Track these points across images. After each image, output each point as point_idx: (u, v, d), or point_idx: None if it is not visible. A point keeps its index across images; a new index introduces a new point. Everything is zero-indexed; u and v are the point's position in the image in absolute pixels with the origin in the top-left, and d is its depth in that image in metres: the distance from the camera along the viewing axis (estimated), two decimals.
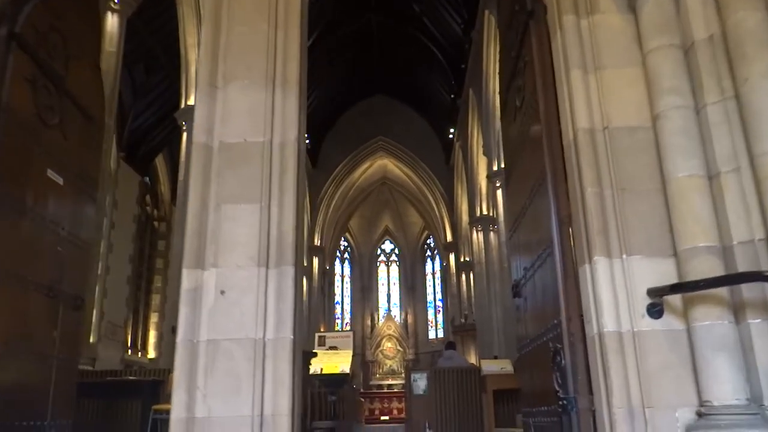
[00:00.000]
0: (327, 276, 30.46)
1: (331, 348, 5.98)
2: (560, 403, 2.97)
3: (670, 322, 2.67)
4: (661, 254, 2.74)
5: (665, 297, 2.66)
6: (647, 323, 2.68)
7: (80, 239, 4.52)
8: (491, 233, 19.93)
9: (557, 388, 3.07)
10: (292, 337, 2.86)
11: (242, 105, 3.09)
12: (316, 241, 27.43)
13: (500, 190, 16.89)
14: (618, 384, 2.60)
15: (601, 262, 2.75)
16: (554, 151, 3.17)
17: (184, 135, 13.44)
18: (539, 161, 3.40)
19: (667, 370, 2.60)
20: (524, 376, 3.90)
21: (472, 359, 23.72)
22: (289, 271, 2.92)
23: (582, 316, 2.90)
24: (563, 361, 2.97)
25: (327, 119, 28.17)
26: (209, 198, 2.93)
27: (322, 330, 27.82)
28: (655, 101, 2.82)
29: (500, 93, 4.82)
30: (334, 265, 33.14)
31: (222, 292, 2.80)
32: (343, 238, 33.87)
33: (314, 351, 6.02)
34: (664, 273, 2.70)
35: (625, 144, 2.90)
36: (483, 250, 20.54)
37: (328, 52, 24.31)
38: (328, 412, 5.71)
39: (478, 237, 21.11)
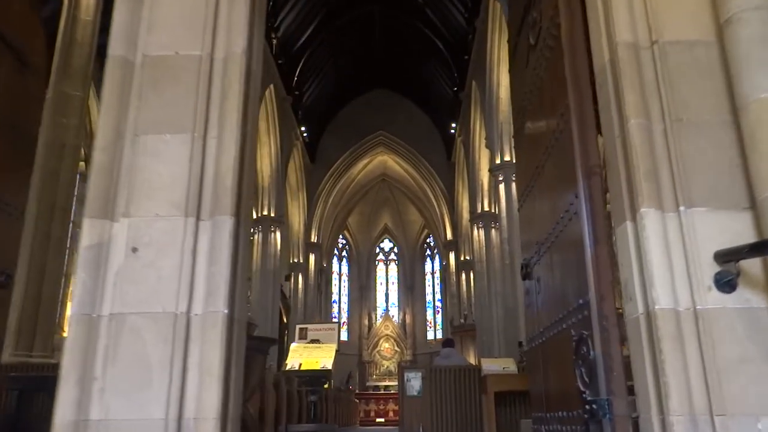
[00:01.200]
0: (324, 274, 29.75)
1: (313, 341, 5.26)
2: (587, 407, 2.24)
3: (747, 297, 1.93)
4: (733, 206, 2.01)
5: (740, 263, 1.93)
6: (715, 298, 1.94)
7: (9, 205, 3.77)
8: (492, 230, 19.29)
9: (582, 388, 2.34)
10: (226, 311, 2.09)
11: (175, 8, 2.33)
12: (313, 238, 26.77)
13: (502, 184, 16.22)
14: (675, 383, 1.87)
15: (650, 217, 2.01)
16: (581, 81, 2.45)
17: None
18: (559, 102, 2.68)
19: (745, 363, 1.86)
20: (536, 374, 3.16)
21: (471, 360, 23.01)
22: (227, 223, 2.16)
23: (620, 292, 2.18)
24: (591, 353, 2.24)
25: (326, 113, 27.56)
26: (125, 127, 2.16)
27: None
28: (724, 3, 2.09)
29: (509, 41, 4.12)
30: (331, 262, 32.44)
31: (134, 250, 2.05)
32: (341, 236, 33.19)
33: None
34: (737, 231, 1.97)
35: (681, 63, 2.17)
36: (484, 248, 19.88)
37: (327, 43, 23.67)
38: (308, 413, 4.98)
39: (479, 234, 20.45)
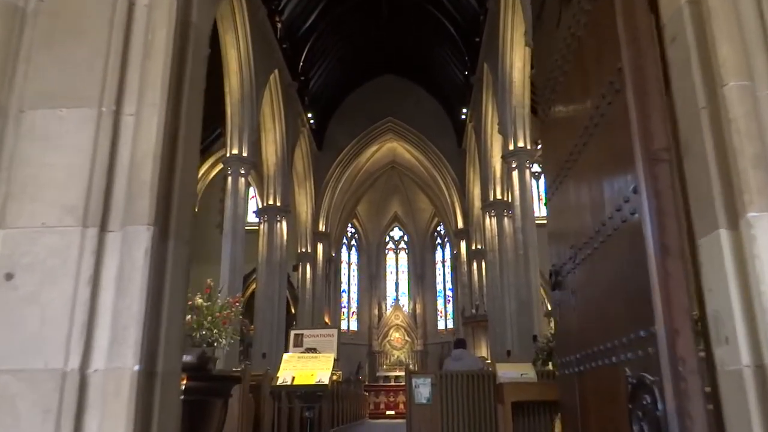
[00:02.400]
0: (333, 263, 29.25)
1: (309, 350, 4.68)
2: None
3: None
4: None
5: None
6: None
7: None
8: (505, 219, 18.70)
9: None
10: (138, 367, 1.42)
11: None
12: (321, 227, 26.23)
13: (516, 171, 15.58)
14: None
15: (762, 224, 1.38)
16: (640, 35, 1.82)
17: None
18: (606, 67, 2.05)
19: None
20: (570, 412, 2.55)
21: (483, 352, 22.49)
22: (142, 237, 1.49)
23: (704, 327, 1.57)
24: (659, 407, 1.63)
25: (333, 99, 26.92)
26: (8, 99, 1.52)
27: (326, 320, 26.64)
28: None
29: (532, 3, 3.47)
30: (340, 252, 31.92)
31: (8, 277, 1.41)
32: (350, 224, 32.63)
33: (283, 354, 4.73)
34: None
35: None
36: (496, 237, 19.28)
37: (334, 27, 22.96)
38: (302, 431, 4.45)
39: (491, 223, 19.85)
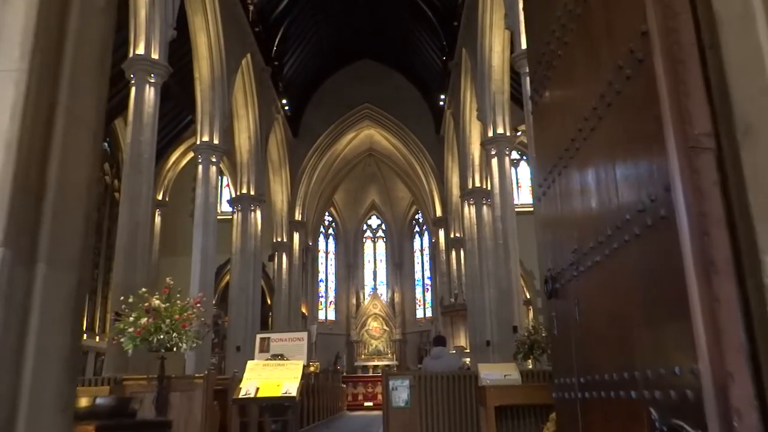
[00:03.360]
0: (310, 252, 28.79)
1: (275, 356, 4.27)
2: None
3: None
4: None
5: None
6: None
7: None
8: (484, 207, 18.41)
9: None
10: None
11: None
12: (298, 216, 25.71)
13: (495, 159, 15.24)
14: None
15: None
16: None
17: (133, 90, 11.54)
18: (623, 32, 1.66)
19: None
20: None
21: (462, 342, 22.28)
22: None
23: (756, 370, 1.19)
24: None
25: (309, 85, 26.34)
26: None
27: (303, 310, 26.21)
28: None
29: None
30: (317, 241, 31.46)
31: None
32: (327, 213, 32.17)
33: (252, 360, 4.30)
34: None
35: None
36: (475, 226, 19.01)
37: (309, 10, 22.33)
38: None
39: (469, 211, 19.57)
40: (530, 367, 11.98)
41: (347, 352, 30.55)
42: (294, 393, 3.82)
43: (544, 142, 2.61)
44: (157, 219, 22.08)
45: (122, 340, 4.96)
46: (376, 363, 29.76)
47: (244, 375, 4.13)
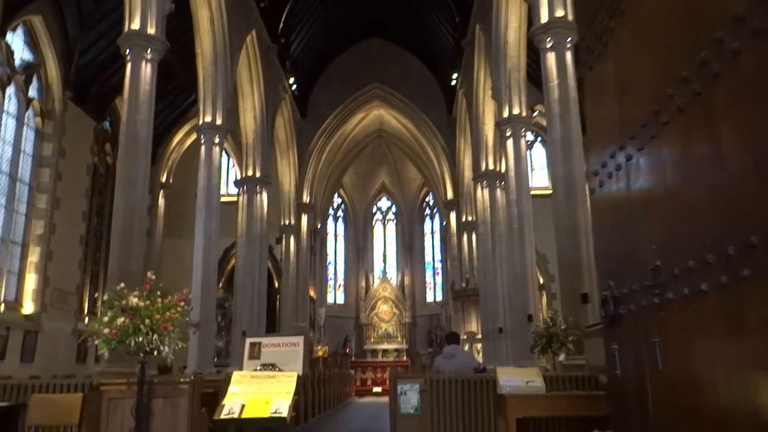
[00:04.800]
0: (318, 235, 28.28)
1: (266, 367, 3.70)
2: None
3: None
4: None
5: None
6: None
7: None
8: (498, 190, 17.78)
9: None
10: None
11: None
12: (306, 198, 25.16)
13: (510, 140, 14.55)
14: None
15: None
16: None
17: (128, 66, 10.93)
18: None
19: None
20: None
21: (473, 327, 21.73)
22: None
23: None
24: None
25: (317, 64, 25.61)
26: None
27: (311, 293, 25.75)
28: None
29: None
30: (326, 223, 30.94)
31: None
32: (336, 195, 31.60)
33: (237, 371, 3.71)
34: None
35: None
36: (488, 209, 18.36)
37: None
38: None
39: (482, 194, 18.91)
40: (544, 363, 11.43)
41: (356, 335, 30.20)
42: (285, 413, 3.25)
43: (604, 119, 1.98)
44: (161, 201, 21.61)
45: (97, 342, 4.41)
46: (385, 346, 29.43)
47: (227, 389, 3.57)
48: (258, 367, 3.78)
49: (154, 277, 4.74)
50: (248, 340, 4.01)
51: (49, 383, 4.85)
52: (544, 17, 10.91)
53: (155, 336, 4.38)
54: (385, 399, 17.82)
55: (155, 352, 4.43)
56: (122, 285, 4.72)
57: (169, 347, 4.46)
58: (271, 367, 3.77)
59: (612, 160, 1.87)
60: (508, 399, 4.69)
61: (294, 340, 3.99)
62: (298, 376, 3.73)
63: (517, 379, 4.98)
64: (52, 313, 14.27)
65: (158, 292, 4.51)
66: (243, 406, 3.40)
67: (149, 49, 10.90)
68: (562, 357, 9.41)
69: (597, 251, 2.06)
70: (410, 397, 5.43)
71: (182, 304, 4.58)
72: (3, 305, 13.44)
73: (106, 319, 4.44)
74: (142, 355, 4.44)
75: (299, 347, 3.95)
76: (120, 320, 4.35)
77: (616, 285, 1.85)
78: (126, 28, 10.98)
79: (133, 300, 4.43)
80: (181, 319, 4.58)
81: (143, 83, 10.74)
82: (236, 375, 3.63)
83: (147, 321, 4.38)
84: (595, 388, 5.38)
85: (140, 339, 4.34)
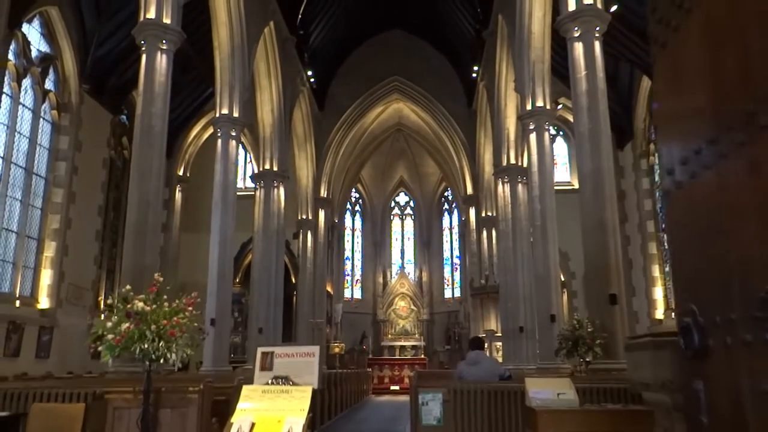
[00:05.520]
0: (335, 230, 28.01)
1: (279, 380, 3.41)
2: None
3: None
4: None
5: None
6: None
7: None
8: (519, 185, 17.34)
9: None
10: None
11: None
12: (323, 192, 24.87)
13: (534, 134, 14.10)
14: None
15: None
16: None
17: (143, 57, 10.70)
18: None
19: None
20: None
21: (492, 326, 21.34)
22: None
23: None
24: None
25: (336, 56, 25.28)
26: None
27: (328, 289, 25.50)
28: None
29: None
30: (343, 218, 30.67)
31: None
32: (353, 189, 31.29)
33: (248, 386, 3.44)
34: None
35: None
36: (509, 205, 17.94)
37: None
38: None
39: (503, 189, 18.48)
40: (569, 365, 11.04)
41: (373, 331, 29.92)
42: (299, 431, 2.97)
43: (685, 106, 1.62)
44: (178, 195, 21.47)
45: (100, 348, 4.13)
46: (403, 343, 29.12)
47: (237, 405, 3.28)
48: (270, 380, 3.47)
49: (161, 279, 4.47)
50: (260, 350, 3.70)
51: (51, 392, 4.59)
52: (571, 5, 10.48)
53: (161, 342, 4.10)
54: (403, 398, 17.57)
55: (162, 360, 4.15)
56: (128, 287, 4.46)
57: (176, 354, 4.17)
58: (284, 380, 3.46)
59: (697, 156, 1.52)
60: (539, 414, 4.35)
61: (309, 350, 3.67)
62: (314, 390, 3.41)
63: (548, 391, 4.63)
64: (68, 308, 14.16)
65: (165, 296, 4.23)
66: (253, 425, 3.11)
67: (164, 40, 10.68)
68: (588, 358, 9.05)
69: (674, 263, 1.70)
70: (432, 407, 5.11)
71: (190, 308, 4.29)
72: (18, 300, 13.34)
73: (110, 324, 4.16)
74: (147, 363, 4.16)
75: (314, 358, 3.63)
76: (125, 325, 4.08)
77: (701, 311, 1.51)
78: (141, 17, 10.75)
79: (139, 304, 4.15)
80: (189, 325, 4.30)
81: (158, 74, 10.52)
82: (246, 389, 3.33)
83: (153, 327, 4.10)
84: (630, 401, 5.02)
85: (146, 346, 4.07)
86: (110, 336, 4.09)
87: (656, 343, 3.20)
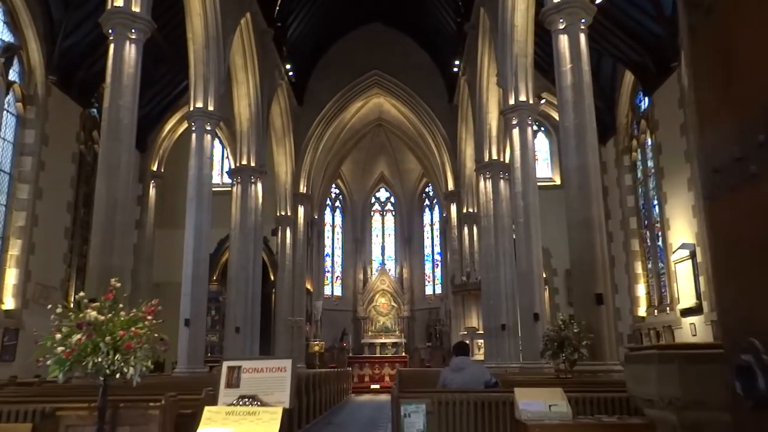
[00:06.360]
0: (315, 226, 27.58)
1: (245, 399, 3.05)
2: None
3: None
4: None
5: None
6: None
7: None
8: (501, 181, 17.07)
9: None
10: None
11: None
12: (302, 188, 24.43)
13: (516, 129, 13.81)
14: None
15: None
16: None
17: (111, 47, 10.20)
18: None
19: None
20: None
21: (474, 323, 21.12)
22: None
23: None
24: None
25: (315, 50, 24.82)
26: None
27: (308, 286, 25.08)
28: None
29: None
30: (323, 214, 30.23)
31: None
32: (333, 185, 30.87)
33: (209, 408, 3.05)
34: None
35: None
36: (491, 202, 17.69)
37: None
38: None
39: (485, 186, 18.22)
40: (551, 364, 10.75)
41: (354, 328, 29.58)
42: None
43: (736, 94, 1.29)
44: (152, 191, 20.89)
45: (48, 363, 3.73)
46: (383, 340, 28.83)
47: (198, 429, 2.91)
48: (235, 400, 3.11)
49: (118, 284, 4.07)
50: (225, 364, 3.34)
51: None
52: None
53: (117, 356, 3.71)
54: (384, 397, 17.24)
55: (118, 375, 3.76)
56: (82, 294, 4.07)
57: (134, 368, 3.78)
58: (251, 400, 3.10)
59: (756, 152, 1.19)
60: (530, 428, 4.04)
61: (280, 365, 3.32)
62: (284, 411, 3.06)
63: (539, 402, 4.32)
64: (35, 309, 13.58)
65: (120, 305, 3.83)
66: None
67: (133, 29, 10.21)
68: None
69: (720, 286, 1.37)
70: (415, 420, 4.78)
71: (150, 317, 3.91)
72: None
73: (59, 335, 3.76)
74: (101, 378, 3.77)
75: (286, 373, 3.27)
76: (76, 337, 3.68)
77: (760, 345, 1.19)
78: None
79: (92, 314, 3.76)
80: (149, 335, 3.90)
81: (127, 65, 10.04)
82: (208, 411, 2.97)
83: (108, 338, 3.71)
84: (625, 412, 4.74)
85: (99, 359, 3.67)
86: (60, 349, 3.70)
87: (662, 356, 2.91)
